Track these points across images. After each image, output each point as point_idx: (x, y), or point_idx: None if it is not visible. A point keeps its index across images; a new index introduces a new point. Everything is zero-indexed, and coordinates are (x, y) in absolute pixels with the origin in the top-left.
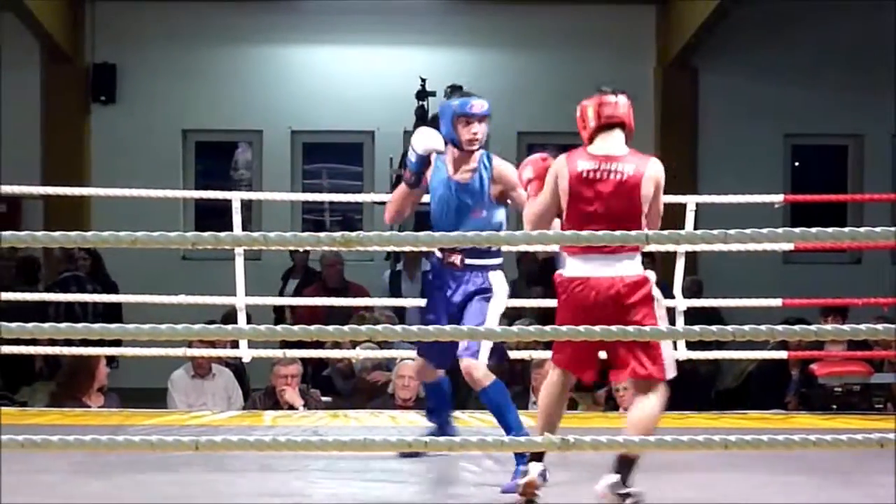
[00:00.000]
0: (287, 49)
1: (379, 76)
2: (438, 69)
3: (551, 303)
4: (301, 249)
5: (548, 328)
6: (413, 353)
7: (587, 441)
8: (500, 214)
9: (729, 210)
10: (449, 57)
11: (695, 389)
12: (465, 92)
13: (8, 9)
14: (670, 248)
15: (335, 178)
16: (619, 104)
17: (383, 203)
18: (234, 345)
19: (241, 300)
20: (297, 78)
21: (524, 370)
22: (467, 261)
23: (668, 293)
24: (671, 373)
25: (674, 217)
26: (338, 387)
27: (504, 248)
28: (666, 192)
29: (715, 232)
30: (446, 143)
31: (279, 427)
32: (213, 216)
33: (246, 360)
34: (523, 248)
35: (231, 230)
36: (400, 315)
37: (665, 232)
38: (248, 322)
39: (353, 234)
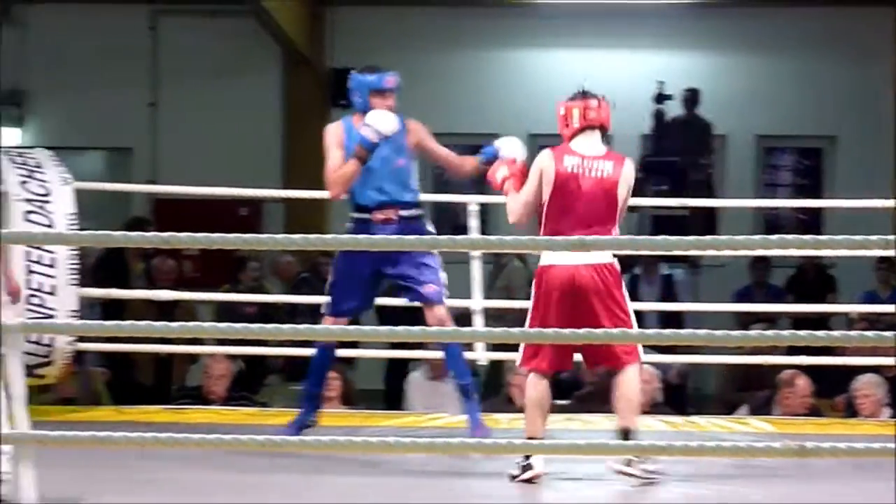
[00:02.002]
0: (524, 53)
1: (615, 79)
2: (675, 72)
3: (805, 308)
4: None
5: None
6: (651, 357)
7: (825, 448)
8: (415, 166)
9: None
10: (685, 60)
11: None
12: (374, 67)
13: (250, 15)
14: None
15: None
16: (602, 108)
17: None
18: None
19: (477, 302)
20: (534, 81)
21: (768, 375)
22: (402, 212)
23: None
24: (642, 354)
25: None
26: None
27: (733, 253)
28: None
29: None
30: (363, 113)
31: (514, 430)
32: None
33: (482, 362)
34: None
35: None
36: (638, 319)
37: None
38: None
39: (589, 237)
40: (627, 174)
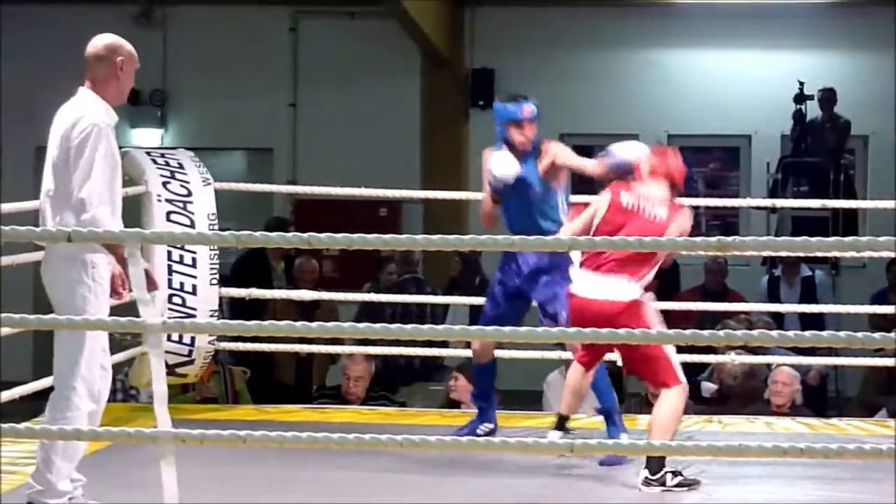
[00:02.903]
0: (665, 52)
1: (756, 80)
2: (816, 72)
3: None
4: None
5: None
6: (788, 359)
7: None
8: (556, 193)
9: None
10: (826, 60)
11: None
12: (515, 95)
13: (390, 16)
14: None
15: (711, 182)
16: (673, 162)
17: (760, 208)
18: None
19: None
20: (674, 81)
21: None
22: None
23: None
24: (682, 377)
25: None
26: (711, 391)
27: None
28: None
29: None
30: (500, 142)
31: None
32: None
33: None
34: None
35: None
36: (778, 321)
37: None
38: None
39: (729, 238)
40: (681, 222)
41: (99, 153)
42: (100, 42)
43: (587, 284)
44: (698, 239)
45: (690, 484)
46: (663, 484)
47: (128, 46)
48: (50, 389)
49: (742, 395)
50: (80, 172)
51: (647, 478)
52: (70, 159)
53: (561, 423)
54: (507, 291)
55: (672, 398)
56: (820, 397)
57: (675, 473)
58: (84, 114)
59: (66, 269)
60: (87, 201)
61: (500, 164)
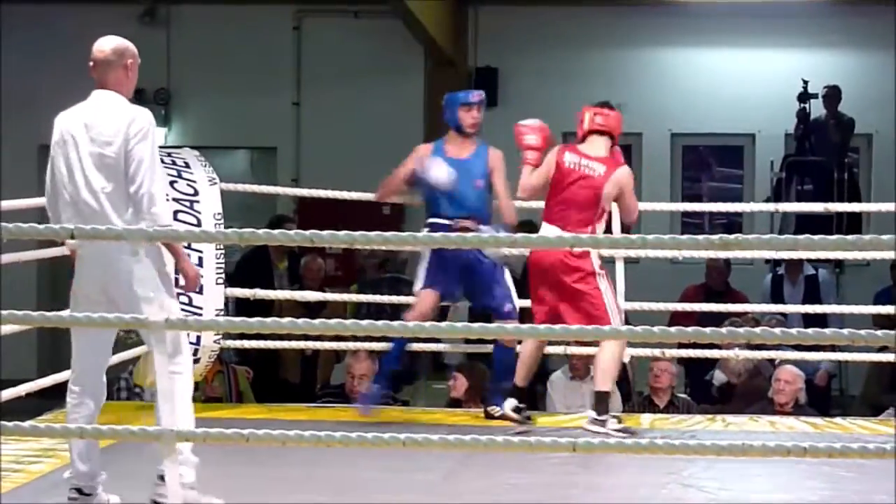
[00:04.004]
0: (668, 51)
1: (760, 78)
2: (820, 71)
3: None
4: None
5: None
6: (790, 355)
7: None
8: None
9: None
10: (830, 58)
11: None
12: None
13: (394, 14)
14: None
15: (715, 180)
16: (611, 117)
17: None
18: None
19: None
20: (678, 80)
21: None
22: (481, 226)
23: None
24: (616, 321)
25: None
26: (717, 390)
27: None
28: None
29: None
30: (451, 129)
31: (656, 430)
32: None
33: (624, 360)
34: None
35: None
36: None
37: None
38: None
39: (732, 237)
40: (617, 177)
41: (156, 150)
42: (107, 46)
43: (550, 235)
44: (700, 238)
45: (631, 432)
46: (604, 425)
47: (132, 46)
48: (54, 387)
49: (746, 393)
50: (145, 169)
51: (593, 418)
52: (131, 157)
53: (518, 395)
54: (452, 269)
55: (612, 346)
56: (824, 396)
57: (619, 420)
58: (135, 114)
59: (143, 263)
60: (155, 196)
61: (440, 170)
